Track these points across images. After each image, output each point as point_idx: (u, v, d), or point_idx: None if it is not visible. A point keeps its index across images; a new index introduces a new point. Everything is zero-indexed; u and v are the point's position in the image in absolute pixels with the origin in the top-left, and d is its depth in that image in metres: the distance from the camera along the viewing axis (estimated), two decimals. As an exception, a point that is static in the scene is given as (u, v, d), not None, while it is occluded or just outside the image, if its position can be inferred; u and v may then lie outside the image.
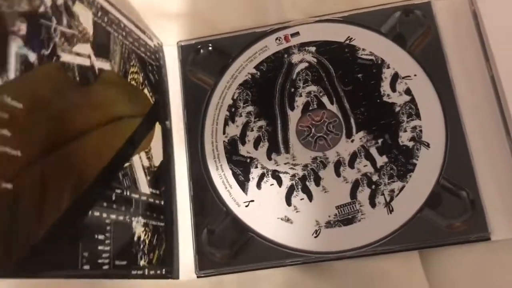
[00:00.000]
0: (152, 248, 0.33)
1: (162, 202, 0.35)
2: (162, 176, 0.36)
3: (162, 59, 0.40)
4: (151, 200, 0.34)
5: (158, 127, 0.37)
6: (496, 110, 0.35)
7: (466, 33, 0.37)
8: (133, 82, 0.35)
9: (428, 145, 0.34)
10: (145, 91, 0.36)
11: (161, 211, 0.35)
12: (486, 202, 0.33)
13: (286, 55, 0.38)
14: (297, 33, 0.38)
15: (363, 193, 0.34)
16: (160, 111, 0.38)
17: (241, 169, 0.36)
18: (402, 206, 0.33)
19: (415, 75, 0.36)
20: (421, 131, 0.35)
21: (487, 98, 0.35)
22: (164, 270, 0.34)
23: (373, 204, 0.34)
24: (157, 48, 0.39)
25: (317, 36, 0.38)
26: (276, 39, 0.39)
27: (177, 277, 0.34)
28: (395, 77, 0.36)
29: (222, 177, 0.36)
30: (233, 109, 0.37)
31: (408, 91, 0.35)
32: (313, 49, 0.38)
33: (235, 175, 0.36)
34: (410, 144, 0.34)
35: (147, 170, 0.34)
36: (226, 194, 0.35)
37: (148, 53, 0.38)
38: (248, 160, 0.36)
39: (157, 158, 0.36)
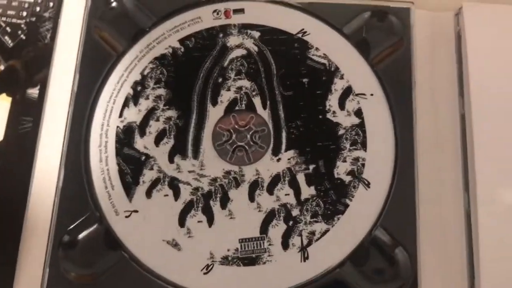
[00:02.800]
0: None
1: None
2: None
3: (52, 11, 0.30)
4: None
5: (3, 100, 0.29)
6: (458, 157, 0.28)
7: (443, 56, 0.30)
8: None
9: (368, 185, 0.27)
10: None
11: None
12: (422, 272, 0.26)
13: (221, 34, 0.30)
14: (242, 10, 0.30)
15: (277, 229, 0.27)
16: (11, 80, 0.29)
17: (131, 168, 0.27)
18: (320, 254, 0.26)
19: (371, 94, 0.29)
20: (363, 165, 0.28)
21: (452, 140, 0.29)
22: None
23: (286, 245, 0.26)
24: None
25: (265, 19, 0.30)
26: (214, 11, 0.30)
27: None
28: (347, 92, 0.29)
29: (104, 173, 0.27)
30: (139, 88, 0.29)
31: (358, 112, 0.28)
32: (256, 34, 0.30)
33: (121, 174, 0.27)
34: (347, 179, 0.27)
35: None
36: (105, 196, 0.27)
37: (12, 12, 0.30)
38: (143, 158, 0.28)
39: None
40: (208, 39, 0.30)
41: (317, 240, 0.27)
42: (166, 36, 0.30)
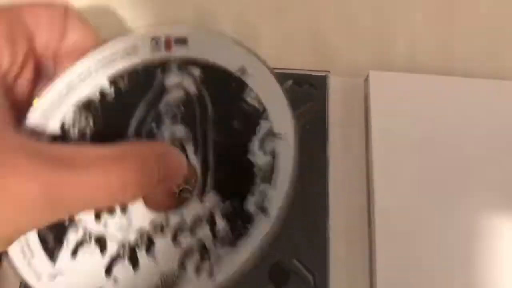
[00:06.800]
0: None
1: None
2: None
3: None
4: None
5: None
6: (364, 193, 0.34)
7: (354, 114, 0.34)
8: None
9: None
10: None
11: None
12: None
13: (160, 71, 0.25)
14: (185, 40, 0.25)
15: (193, 259, 0.30)
16: None
17: (54, 232, 0.24)
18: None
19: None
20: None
21: (359, 181, 0.34)
22: None
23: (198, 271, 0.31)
24: None
25: (208, 53, 0.26)
26: (153, 39, 0.24)
27: None
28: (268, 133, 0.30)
29: (21, 241, 0.24)
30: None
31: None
32: (197, 72, 0.26)
33: (42, 241, 0.24)
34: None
35: None
36: (24, 264, 0.24)
37: None
38: (67, 222, 0.25)
39: None
40: (145, 76, 0.24)
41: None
42: (92, 71, 0.23)
